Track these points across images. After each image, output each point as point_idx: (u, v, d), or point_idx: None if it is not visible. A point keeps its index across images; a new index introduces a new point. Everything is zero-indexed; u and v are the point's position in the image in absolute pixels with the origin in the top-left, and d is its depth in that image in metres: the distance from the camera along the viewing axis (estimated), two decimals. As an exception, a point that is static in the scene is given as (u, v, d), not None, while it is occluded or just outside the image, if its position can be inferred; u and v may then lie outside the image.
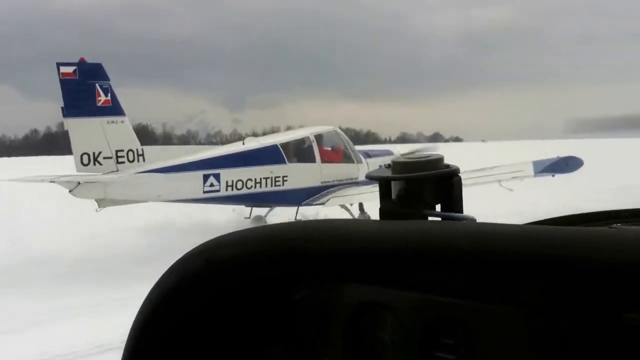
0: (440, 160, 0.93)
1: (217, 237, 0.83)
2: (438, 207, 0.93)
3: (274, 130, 16.52)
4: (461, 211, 0.93)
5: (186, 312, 0.81)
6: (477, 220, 0.83)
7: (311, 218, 11.29)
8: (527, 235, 0.67)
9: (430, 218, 0.91)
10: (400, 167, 0.94)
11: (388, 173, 0.95)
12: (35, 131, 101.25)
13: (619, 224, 1.19)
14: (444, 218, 0.91)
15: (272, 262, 0.78)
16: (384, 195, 0.96)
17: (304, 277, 0.79)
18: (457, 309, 0.71)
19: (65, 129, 10.56)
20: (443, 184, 0.93)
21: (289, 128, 17.88)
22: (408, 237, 0.72)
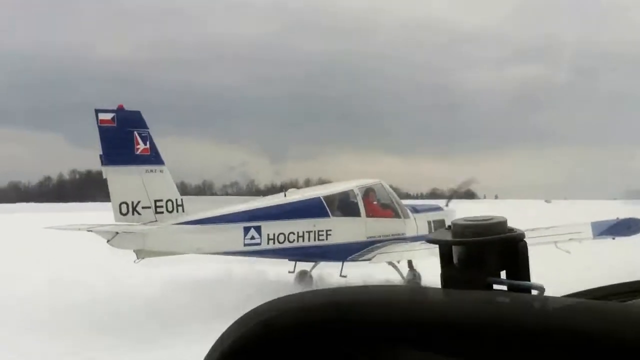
0: (503, 223, 0.88)
1: (273, 300, 0.82)
2: (503, 274, 0.87)
3: (296, 184, 15.87)
4: (528, 279, 0.87)
5: None
6: (546, 289, 0.81)
7: (358, 275, 10.76)
8: (614, 315, 0.64)
9: (495, 286, 0.86)
10: (461, 229, 0.89)
11: (448, 236, 0.90)
12: (49, 178, 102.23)
13: None
14: (510, 286, 0.86)
15: (333, 330, 0.76)
16: (446, 260, 0.92)
17: (366, 345, 0.75)
18: None
19: (104, 177, 10.24)
20: (508, 249, 0.87)
21: (321, 181, 17.22)
22: (477, 311, 0.71)
